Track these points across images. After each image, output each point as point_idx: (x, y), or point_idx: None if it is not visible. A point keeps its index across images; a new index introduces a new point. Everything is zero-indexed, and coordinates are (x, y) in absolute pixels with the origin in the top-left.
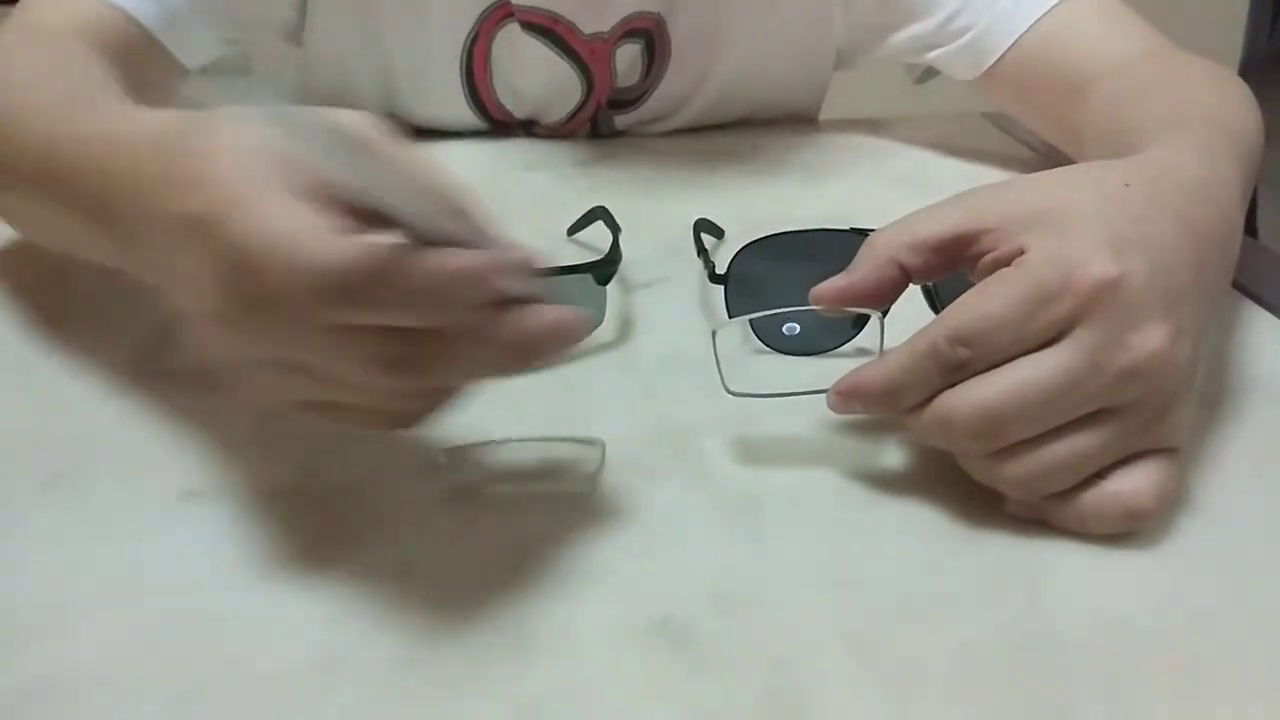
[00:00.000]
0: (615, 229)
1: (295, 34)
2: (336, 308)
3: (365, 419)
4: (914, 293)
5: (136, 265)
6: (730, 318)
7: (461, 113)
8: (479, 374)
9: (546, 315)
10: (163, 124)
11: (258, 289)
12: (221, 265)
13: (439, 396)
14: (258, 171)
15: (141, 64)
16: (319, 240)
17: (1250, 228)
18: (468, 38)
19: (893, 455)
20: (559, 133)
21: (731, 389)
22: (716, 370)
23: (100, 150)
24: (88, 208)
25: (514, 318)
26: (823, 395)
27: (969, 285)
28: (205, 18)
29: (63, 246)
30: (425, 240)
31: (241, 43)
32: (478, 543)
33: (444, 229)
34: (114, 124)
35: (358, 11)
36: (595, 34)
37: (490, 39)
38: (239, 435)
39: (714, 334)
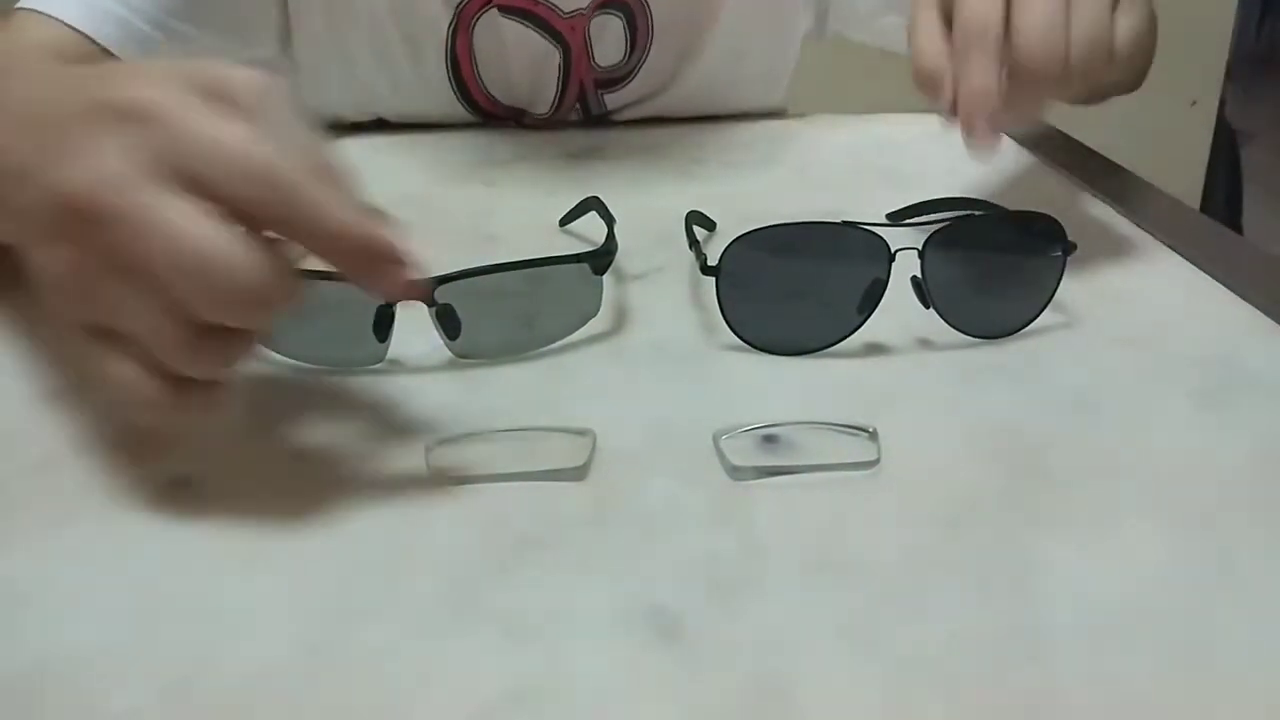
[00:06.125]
0: (609, 220)
1: (283, 43)
2: None
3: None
4: (907, 290)
5: None
6: (722, 310)
7: (451, 106)
8: None
9: None
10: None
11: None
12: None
13: None
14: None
15: None
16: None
17: (1235, 225)
18: (449, 29)
19: (885, 446)
20: (550, 122)
21: (736, 467)
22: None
23: None
24: None
25: None
26: (814, 425)
27: (960, 281)
28: (188, 53)
29: None
30: None
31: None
32: (467, 532)
33: None
34: None
35: (337, 30)
36: (575, 11)
37: (471, 29)
38: (229, 424)
39: (716, 439)
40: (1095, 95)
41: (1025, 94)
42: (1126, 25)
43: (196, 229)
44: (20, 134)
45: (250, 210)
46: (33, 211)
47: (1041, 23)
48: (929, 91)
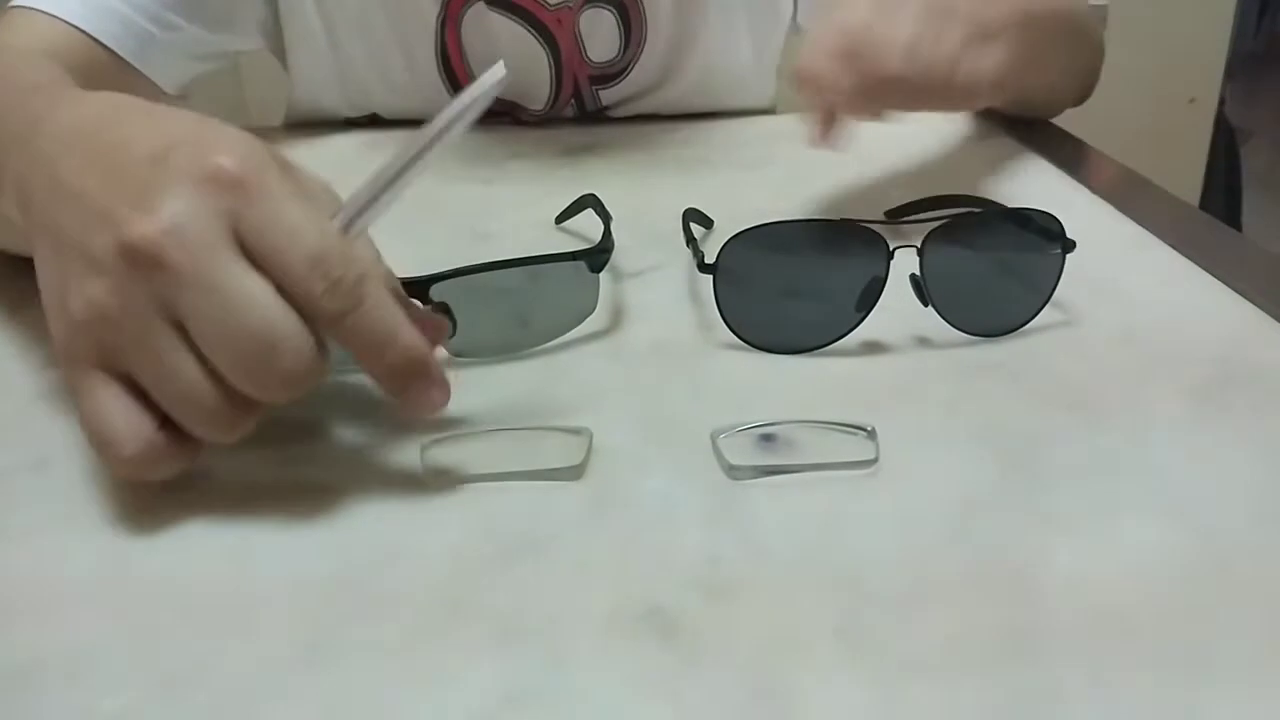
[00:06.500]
0: (606, 217)
1: (276, 44)
2: None
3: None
4: (905, 288)
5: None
6: (720, 308)
7: (444, 101)
8: None
9: None
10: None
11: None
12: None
13: None
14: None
15: (115, 87)
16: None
17: (1234, 222)
18: (438, 21)
19: (883, 445)
20: (546, 119)
21: (734, 466)
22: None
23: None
24: None
25: None
26: (813, 423)
27: (959, 279)
28: (179, 45)
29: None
30: None
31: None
32: (463, 532)
33: None
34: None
35: (329, 24)
36: (561, 3)
37: (459, 22)
38: None
39: (714, 438)
40: (1026, 107)
41: (872, 101)
42: (995, 60)
43: (262, 305)
44: (90, 164)
45: (308, 298)
46: (87, 243)
47: (899, 40)
48: (801, 90)
